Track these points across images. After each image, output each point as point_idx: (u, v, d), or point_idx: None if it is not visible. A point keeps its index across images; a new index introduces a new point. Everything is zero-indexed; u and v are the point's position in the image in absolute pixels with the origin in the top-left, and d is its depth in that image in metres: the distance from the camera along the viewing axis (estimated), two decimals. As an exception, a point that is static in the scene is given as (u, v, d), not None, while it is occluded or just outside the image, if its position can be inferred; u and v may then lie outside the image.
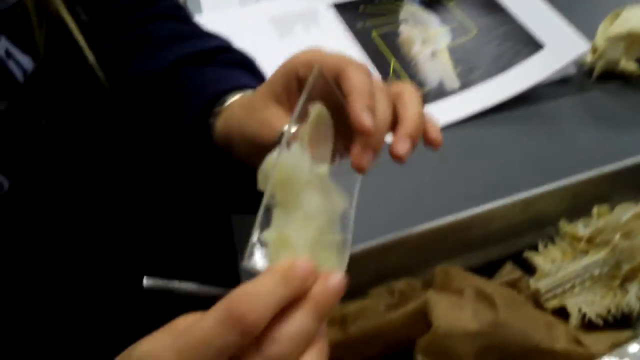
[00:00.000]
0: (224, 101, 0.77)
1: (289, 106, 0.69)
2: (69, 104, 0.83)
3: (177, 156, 0.84)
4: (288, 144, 0.58)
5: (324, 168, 0.58)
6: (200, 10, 1.26)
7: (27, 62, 0.76)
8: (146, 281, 0.59)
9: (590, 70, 1.13)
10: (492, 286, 0.73)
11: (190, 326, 0.46)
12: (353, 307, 0.69)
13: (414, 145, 0.64)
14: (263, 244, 0.54)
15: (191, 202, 0.84)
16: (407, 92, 0.67)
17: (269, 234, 0.55)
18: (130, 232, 0.88)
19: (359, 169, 0.60)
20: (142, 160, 0.94)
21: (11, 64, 0.74)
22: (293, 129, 0.59)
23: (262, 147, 0.66)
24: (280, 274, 0.47)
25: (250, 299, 0.45)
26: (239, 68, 0.86)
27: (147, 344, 0.48)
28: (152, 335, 0.49)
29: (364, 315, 0.67)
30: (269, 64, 0.91)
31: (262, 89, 0.72)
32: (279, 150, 0.56)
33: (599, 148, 1.01)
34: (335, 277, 0.49)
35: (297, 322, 0.47)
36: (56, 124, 0.80)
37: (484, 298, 0.71)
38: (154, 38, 0.89)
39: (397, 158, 0.62)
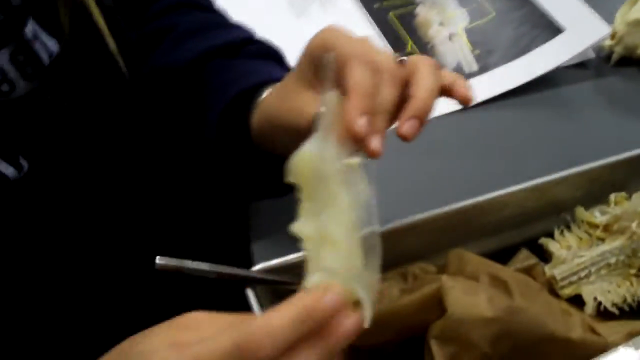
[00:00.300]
0: (258, 95, 0.77)
1: (318, 88, 0.68)
2: (90, 89, 0.82)
3: (197, 146, 0.83)
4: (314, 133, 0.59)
5: (355, 158, 0.58)
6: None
7: (52, 44, 0.75)
8: (159, 260, 0.59)
9: (609, 55, 1.12)
10: (507, 272, 0.72)
11: (199, 343, 0.46)
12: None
13: (421, 124, 0.63)
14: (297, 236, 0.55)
15: (208, 190, 0.84)
16: (422, 67, 0.66)
17: (305, 229, 0.56)
18: (145, 216, 0.87)
19: (371, 153, 0.59)
20: (160, 149, 0.94)
21: (37, 46, 0.73)
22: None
23: (302, 134, 0.65)
24: (304, 311, 0.46)
25: (267, 334, 0.44)
26: (267, 59, 0.86)
27: (149, 344, 0.48)
28: (154, 332, 0.49)
29: (377, 300, 0.66)
30: (285, 44, 0.90)
31: (292, 75, 0.71)
32: (306, 142, 0.56)
33: (616, 134, 1.00)
34: (355, 316, 0.49)
35: (307, 356, 0.47)
36: (77, 107, 0.79)
37: (499, 284, 0.70)
38: (178, 29, 0.88)
39: (402, 137, 0.62)
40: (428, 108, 0.64)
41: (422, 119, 0.63)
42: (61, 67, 0.76)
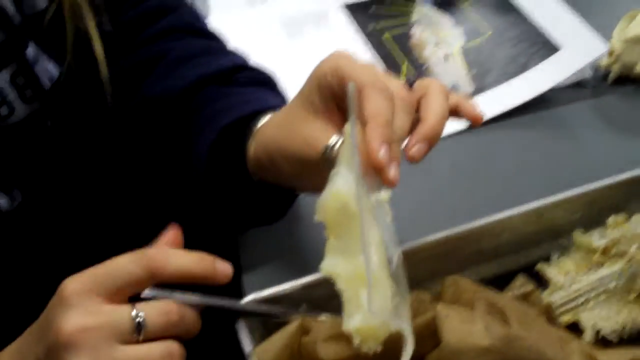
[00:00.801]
0: (253, 124, 0.76)
1: (329, 117, 0.68)
2: (84, 117, 0.82)
3: (186, 177, 0.82)
4: (332, 164, 0.61)
5: (384, 193, 0.59)
6: (207, 12, 1.24)
7: (52, 67, 0.74)
8: (148, 291, 0.60)
9: (606, 73, 1.10)
10: (504, 299, 0.71)
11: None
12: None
13: (430, 147, 0.65)
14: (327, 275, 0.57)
15: (197, 221, 0.83)
16: (432, 90, 0.68)
17: (337, 268, 0.57)
18: (135, 246, 0.86)
19: (389, 182, 0.59)
20: (150, 179, 0.93)
21: (38, 69, 0.73)
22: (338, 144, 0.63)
23: (310, 165, 0.67)
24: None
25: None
26: (260, 86, 0.85)
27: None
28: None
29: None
30: (278, 65, 0.89)
31: (296, 102, 0.70)
32: (335, 179, 0.57)
33: (615, 154, 0.98)
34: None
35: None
36: (72, 135, 0.79)
37: (496, 312, 0.68)
38: (169, 57, 0.87)
39: (410, 159, 0.64)
40: (437, 132, 0.66)
41: (431, 142, 0.65)
42: (61, 92, 0.76)
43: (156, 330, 0.57)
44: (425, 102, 0.67)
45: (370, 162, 0.58)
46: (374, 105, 0.60)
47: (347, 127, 0.60)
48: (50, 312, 0.58)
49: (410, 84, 0.70)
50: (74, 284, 0.57)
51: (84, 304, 0.56)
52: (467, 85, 1.08)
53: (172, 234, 0.64)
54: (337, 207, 0.56)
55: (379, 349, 0.58)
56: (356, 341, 0.57)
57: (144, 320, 0.56)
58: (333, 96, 0.66)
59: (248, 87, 0.84)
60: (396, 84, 0.65)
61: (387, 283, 0.57)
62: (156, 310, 0.58)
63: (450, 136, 1.00)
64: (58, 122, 0.78)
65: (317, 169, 0.67)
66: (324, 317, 0.65)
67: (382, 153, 0.58)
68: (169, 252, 0.60)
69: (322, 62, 0.67)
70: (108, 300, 0.57)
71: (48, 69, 0.75)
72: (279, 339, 0.66)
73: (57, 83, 0.75)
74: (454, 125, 1.02)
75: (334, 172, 0.59)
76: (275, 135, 0.72)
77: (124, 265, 0.58)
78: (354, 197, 0.56)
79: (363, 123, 0.60)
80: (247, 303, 0.67)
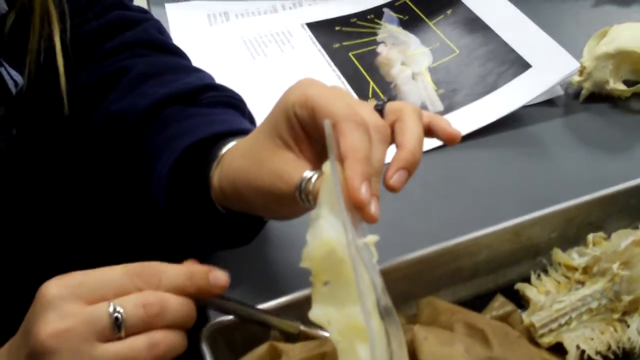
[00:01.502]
0: (219, 148, 0.73)
1: (299, 149, 0.65)
2: (46, 128, 0.78)
3: (146, 198, 0.78)
4: (310, 200, 0.61)
5: (372, 237, 0.57)
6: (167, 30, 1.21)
7: (17, 75, 0.72)
8: None
9: (578, 91, 1.09)
10: (483, 320, 0.67)
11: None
12: (331, 345, 0.62)
13: (410, 174, 0.63)
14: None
15: (160, 244, 0.80)
16: (406, 114, 0.65)
17: (328, 317, 0.55)
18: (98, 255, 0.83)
19: (370, 219, 0.58)
20: (110, 199, 0.89)
21: (3, 72, 0.69)
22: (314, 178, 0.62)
23: (281, 198, 0.65)
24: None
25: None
26: (228, 108, 0.81)
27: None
28: None
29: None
30: (242, 86, 0.86)
31: (263, 133, 0.67)
32: (315, 227, 0.55)
33: (590, 172, 0.96)
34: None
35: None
36: (34, 147, 0.76)
37: (476, 333, 0.65)
38: (131, 73, 0.84)
39: (391, 190, 0.62)
40: (416, 158, 0.63)
41: (411, 170, 0.63)
42: (25, 100, 0.72)
43: (137, 323, 0.55)
44: (400, 127, 0.65)
45: (351, 200, 0.56)
46: (351, 141, 0.58)
47: (327, 167, 0.57)
48: (29, 316, 0.56)
49: (380, 109, 0.67)
50: (53, 287, 0.55)
51: (62, 307, 0.54)
52: (435, 104, 1.06)
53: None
54: (325, 254, 0.54)
55: None
56: None
57: (122, 314, 0.54)
58: (302, 128, 0.64)
59: (214, 107, 0.81)
60: (369, 112, 0.62)
61: (381, 332, 0.55)
62: (133, 302, 0.55)
63: (422, 154, 0.97)
64: (23, 131, 0.74)
65: (288, 202, 0.64)
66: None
67: (363, 191, 0.56)
68: (161, 269, 0.58)
69: (289, 92, 0.64)
70: (88, 304, 0.55)
71: (12, 75, 0.72)
72: (246, 365, 0.62)
73: (21, 90, 0.72)
74: (427, 143, 0.98)
75: (315, 213, 0.56)
76: (241, 168, 0.68)
77: (116, 277, 0.56)
78: (344, 244, 0.54)
79: (340, 159, 0.58)
80: (261, 309, 0.65)
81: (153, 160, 0.76)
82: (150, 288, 0.56)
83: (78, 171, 0.87)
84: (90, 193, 0.89)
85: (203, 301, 0.60)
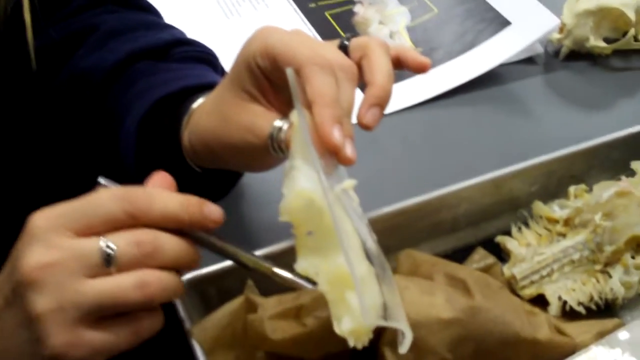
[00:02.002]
0: (190, 102, 0.70)
1: (266, 100, 0.63)
2: (8, 82, 0.76)
3: (115, 154, 0.76)
4: (283, 150, 0.59)
5: (349, 182, 0.55)
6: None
7: None
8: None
9: (558, 49, 1.07)
10: (464, 271, 0.66)
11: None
12: (309, 296, 0.60)
13: (383, 110, 0.61)
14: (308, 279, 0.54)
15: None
16: (372, 48, 0.63)
17: (315, 268, 0.53)
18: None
19: (347, 161, 0.56)
20: (77, 157, 0.86)
21: None
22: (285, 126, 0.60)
23: (253, 151, 0.63)
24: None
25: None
26: (198, 62, 0.79)
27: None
28: None
29: (323, 305, 0.59)
30: (215, 45, 0.84)
31: (227, 88, 0.65)
32: (290, 179, 0.54)
33: (570, 128, 0.95)
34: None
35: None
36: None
37: (457, 283, 0.63)
38: (100, 29, 0.81)
39: (365, 128, 0.60)
40: (388, 92, 0.61)
41: (383, 105, 0.61)
42: None
43: (129, 261, 0.52)
44: (368, 62, 0.63)
45: (324, 145, 0.54)
46: (317, 85, 0.56)
47: (294, 116, 0.56)
48: (16, 248, 0.53)
49: (344, 47, 0.65)
50: (40, 219, 0.52)
51: (49, 239, 0.51)
52: (414, 63, 1.03)
53: (160, 176, 0.58)
54: (303, 206, 0.53)
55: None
56: (351, 343, 0.52)
57: (114, 252, 0.51)
58: (266, 78, 0.62)
59: (186, 62, 0.78)
60: (333, 52, 0.60)
61: (371, 276, 0.53)
62: (126, 240, 0.52)
63: (400, 112, 0.96)
64: None
65: (262, 154, 0.63)
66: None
67: (335, 135, 0.54)
68: (153, 193, 0.54)
69: (249, 43, 0.62)
70: (77, 236, 0.52)
71: None
72: (220, 317, 0.60)
73: None
74: (403, 101, 0.97)
75: (289, 165, 0.54)
76: (209, 126, 0.66)
77: (103, 202, 0.52)
78: (320, 193, 0.52)
79: (308, 105, 0.56)
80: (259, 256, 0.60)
81: (122, 117, 0.74)
82: (140, 214, 0.52)
83: (46, 129, 0.84)
84: (59, 152, 0.86)
85: (194, 236, 0.56)
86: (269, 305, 0.61)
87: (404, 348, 0.53)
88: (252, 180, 0.83)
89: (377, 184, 0.85)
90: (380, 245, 0.69)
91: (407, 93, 0.99)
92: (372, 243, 0.55)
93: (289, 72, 0.55)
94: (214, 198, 0.75)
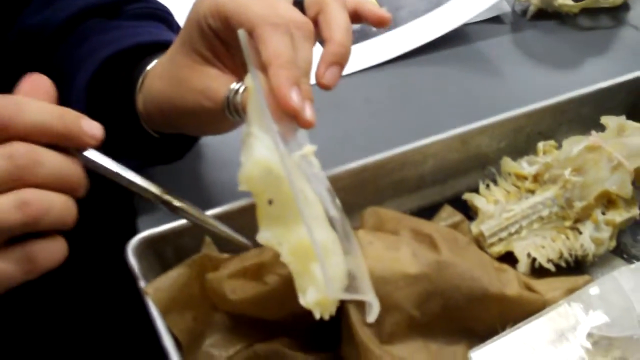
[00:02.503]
0: (147, 62, 0.67)
1: (220, 62, 0.61)
2: None
3: None
4: (240, 114, 0.57)
5: (309, 148, 0.53)
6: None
7: None
8: None
9: (525, 9, 1.05)
10: (431, 226, 0.63)
11: None
12: (269, 253, 0.58)
13: (342, 68, 0.58)
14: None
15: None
16: (329, 3, 0.61)
17: (277, 239, 0.51)
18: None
19: (307, 124, 0.53)
20: None
21: None
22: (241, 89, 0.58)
23: (209, 115, 0.61)
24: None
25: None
26: (154, 21, 0.76)
27: None
28: None
29: (284, 263, 0.56)
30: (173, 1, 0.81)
31: (179, 51, 0.62)
32: (247, 146, 0.51)
33: (538, 87, 0.94)
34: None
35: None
36: None
37: (424, 238, 0.61)
38: None
39: (325, 87, 0.57)
40: (347, 49, 0.59)
41: (342, 63, 0.58)
42: None
43: (3, 177, 0.47)
44: (324, 19, 0.60)
45: (282, 109, 0.52)
46: (272, 46, 0.53)
47: (249, 80, 0.53)
48: None
49: (299, 3, 0.62)
50: None
51: None
52: (379, 22, 1.01)
53: (33, 80, 0.52)
54: (261, 174, 0.50)
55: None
56: (317, 315, 0.50)
57: None
58: (219, 39, 0.59)
59: (139, 20, 0.75)
60: (287, 9, 0.57)
61: (335, 244, 0.52)
62: None
63: (364, 71, 0.94)
64: None
65: (218, 118, 0.60)
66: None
67: (294, 97, 0.52)
68: (22, 102, 0.48)
69: (198, 3, 0.59)
70: None
71: None
72: (177, 276, 0.58)
73: None
74: (367, 60, 0.95)
75: (246, 132, 0.52)
76: (162, 91, 0.64)
77: None
78: (278, 161, 0.50)
79: (264, 68, 0.53)
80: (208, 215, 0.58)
81: (72, 75, 0.70)
82: (8, 123, 0.47)
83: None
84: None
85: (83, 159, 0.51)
86: (229, 263, 0.59)
87: (371, 318, 0.52)
88: (210, 140, 0.80)
89: (340, 144, 0.83)
90: (344, 203, 0.67)
91: (371, 52, 0.97)
92: (335, 210, 0.53)
93: (241, 34, 0.53)
94: (170, 160, 0.73)
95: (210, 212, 0.62)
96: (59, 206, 0.48)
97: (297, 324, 0.58)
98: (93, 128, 0.51)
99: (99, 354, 0.83)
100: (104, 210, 0.83)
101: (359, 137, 0.85)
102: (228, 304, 0.57)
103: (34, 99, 0.50)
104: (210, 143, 0.81)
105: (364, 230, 0.61)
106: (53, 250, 0.49)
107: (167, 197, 0.55)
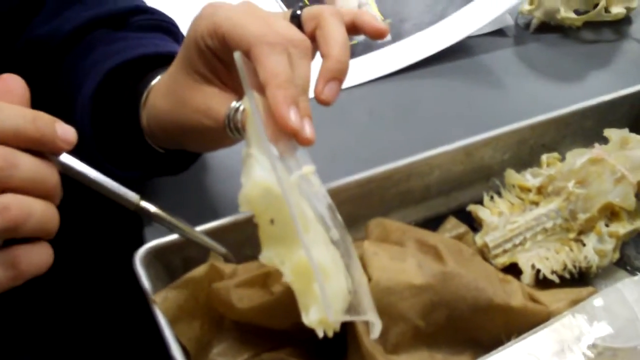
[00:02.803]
0: (153, 76, 0.67)
1: (220, 81, 0.61)
2: None
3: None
4: (240, 131, 0.58)
5: (308, 168, 0.53)
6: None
7: None
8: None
9: (528, 22, 1.06)
10: (436, 237, 0.64)
11: None
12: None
13: (341, 83, 0.58)
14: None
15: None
16: (326, 18, 0.60)
17: (279, 258, 0.51)
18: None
19: (306, 142, 0.54)
20: None
21: None
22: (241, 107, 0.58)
23: (210, 134, 0.61)
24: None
25: None
26: (160, 33, 0.77)
27: None
28: None
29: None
30: (179, 14, 0.82)
31: (180, 70, 0.62)
32: (247, 167, 0.51)
33: (541, 100, 0.94)
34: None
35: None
36: None
37: (429, 249, 0.62)
38: None
39: (324, 103, 0.57)
40: (345, 64, 0.59)
41: (341, 79, 0.58)
42: None
43: None
44: (322, 34, 0.60)
45: (281, 129, 0.52)
46: (269, 65, 0.53)
47: (246, 102, 0.53)
48: None
49: (296, 17, 0.63)
50: None
51: None
52: (383, 34, 1.01)
53: (6, 80, 0.52)
54: (261, 195, 0.51)
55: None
56: (320, 333, 0.50)
57: None
58: (218, 58, 0.59)
59: (145, 31, 0.76)
60: (284, 26, 0.57)
61: (336, 262, 0.52)
62: None
63: (368, 83, 0.94)
64: None
65: (219, 136, 0.61)
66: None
67: (292, 117, 0.52)
68: None
69: (196, 23, 0.59)
70: None
71: None
72: (184, 286, 0.58)
73: None
74: (371, 73, 0.95)
75: (245, 153, 0.52)
76: (165, 109, 0.64)
77: None
78: (273, 182, 0.50)
79: (261, 88, 0.53)
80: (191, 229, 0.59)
81: (78, 86, 0.71)
82: None
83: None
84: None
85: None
86: (235, 273, 0.60)
87: (374, 335, 0.51)
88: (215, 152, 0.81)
89: (344, 157, 0.84)
90: (349, 214, 0.67)
91: (375, 64, 0.97)
92: (336, 228, 0.53)
93: (237, 56, 0.52)
94: (174, 172, 0.73)
95: (213, 224, 0.62)
96: (40, 212, 0.48)
97: (304, 334, 0.58)
98: (67, 132, 0.51)
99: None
100: (111, 221, 0.84)
101: (363, 149, 0.85)
102: (235, 312, 0.58)
103: (6, 102, 0.49)
104: (216, 154, 0.81)
105: (369, 241, 0.61)
106: (37, 256, 0.49)
107: (144, 204, 0.56)
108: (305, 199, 0.52)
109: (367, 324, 0.55)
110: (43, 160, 0.49)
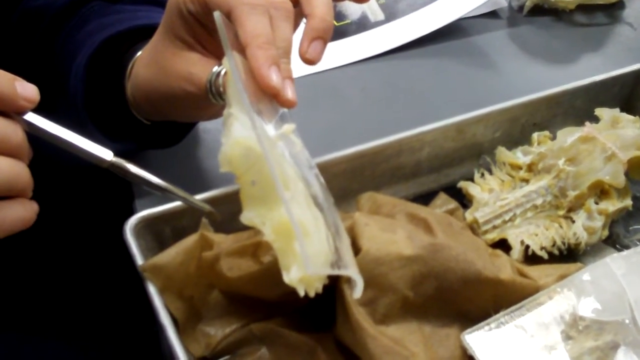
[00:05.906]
0: (140, 47, 0.67)
1: (202, 46, 0.61)
2: None
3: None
4: (222, 97, 0.57)
5: (288, 127, 0.53)
6: None
7: None
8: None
9: (522, 3, 1.06)
10: (426, 211, 0.64)
11: None
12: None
13: (325, 43, 0.58)
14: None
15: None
16: None
17: (260, 218, 0.51)
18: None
19: (287, 104, 0.53)
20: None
21: None
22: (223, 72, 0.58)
23: (195, 100, 0.61)
24: None
25: None
26: (153, 4, 0.77)
27: None
28: None
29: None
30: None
31: (161, 37, 0.62)
32: (227, 127, 0.52)
33: (533, 81, 0.94)
34: None
35: None
36: None
37: (419, 222, 0.62)
38: None
39: (309, 63, 0.57)
40: (329, 24, 0.58)
41: (325, 38, 0.58)
42: None
43: None
44: None
45: (262, 88, 0.52)
46: (249, 27, 0.53)
47: (226, 61, 0.53)
48: None
49: None
50: None
51: None
52: (376, 14, 1.02)
53: None
54: (242, 155, 0.51)
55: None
56: (301, 291, 0.50)
57: None
58: (200, 23, 0.59)
59: (140, 4, 0.76)
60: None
61: (318, 221, 0.51)
62: None
63: (361, 62, 0.94)
64: None
65: (203, 103, 0.61)
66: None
67: (273, 77, 0.52)
68: None
69: None
70: None
71: None
72: (174, 255, 0.58)
73: None
74: (365, 52, 0.95)
75: (226, 113, 0.52)
76: (147, 78, 0.64)
77: None
78: (252, 140, 0.50)
79: (242, 49, 0.53)
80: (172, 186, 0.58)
81: (72, 56, 0.71)
82: None
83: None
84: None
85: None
86: (226, 242, 0.60)
87: (356, 293, 0.51)
88: (209, 125, 0.81)
89: (336, 132, 0.84)
90: (341, 189, 0.67)
91: (368, 43, 0.97)
92: (319, 188, 0.53)
93: (216, 15, 0.53)
94: (166, 145, 0.73)
95: (204, 195, 0.62)
96: (7, 169, 0.48)
97: (293, 304, 0.58)
98: (27, 90, 0.50)
99: (98, 331, 0.83)
100: (102, 193, 0.84)
101: (355, 126, 0.85)
102: (224, 281, 0.58)
103: None
104: (209, 129, 0.81)
105: (360, 212, 0.61)
106: (14, 212, 0.49)
107: (117, 161, 0.54)
108: (286, 157, 0.52)
109: (358, 300, 0.55)
110: (5, 119, 0.49)
